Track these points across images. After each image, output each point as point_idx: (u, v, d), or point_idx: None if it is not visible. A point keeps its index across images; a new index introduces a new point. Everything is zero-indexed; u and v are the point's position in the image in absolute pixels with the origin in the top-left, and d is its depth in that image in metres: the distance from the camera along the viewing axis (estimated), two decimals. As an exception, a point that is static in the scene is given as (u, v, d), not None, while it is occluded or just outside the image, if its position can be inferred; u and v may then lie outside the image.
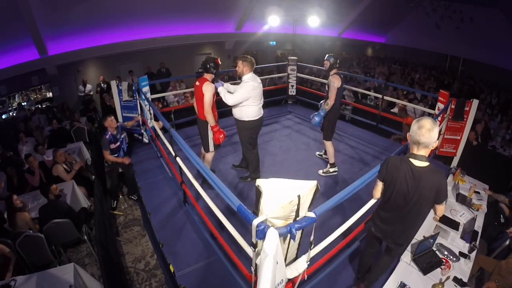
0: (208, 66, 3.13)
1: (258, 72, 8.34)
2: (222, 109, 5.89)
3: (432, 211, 1.94)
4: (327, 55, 3.67)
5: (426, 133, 1.61)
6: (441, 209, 1.81)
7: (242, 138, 3.49)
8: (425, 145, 1.65)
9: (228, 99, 3.18)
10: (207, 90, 3.08)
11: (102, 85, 8.39)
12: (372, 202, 2.36)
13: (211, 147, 3.40)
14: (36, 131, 6.12)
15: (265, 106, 6.56)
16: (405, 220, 1.84)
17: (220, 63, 3.21)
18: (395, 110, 6.06)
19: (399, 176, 1.73)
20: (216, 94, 3.24)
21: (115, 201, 4.37)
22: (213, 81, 3.20)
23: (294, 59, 6.33)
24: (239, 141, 3.63)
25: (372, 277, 2.28)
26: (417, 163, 1.69)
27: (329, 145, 3.86)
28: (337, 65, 3.60)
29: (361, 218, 2.30)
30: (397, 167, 1.74)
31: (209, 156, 3.50)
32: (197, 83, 3.18)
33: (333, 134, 3.89)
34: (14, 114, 7.84)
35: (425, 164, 1.69)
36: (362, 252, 2.35)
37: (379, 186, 1.92)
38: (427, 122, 1.62)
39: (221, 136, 3.25)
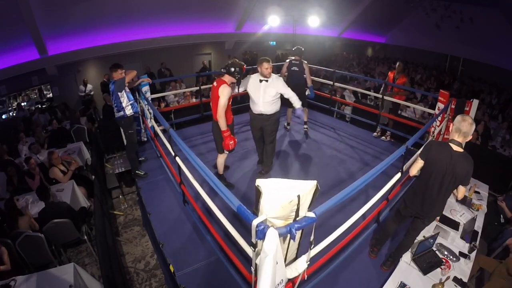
0: (233, 70, 3.06)
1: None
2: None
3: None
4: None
5: (468, 125, 2.02)
6: (462, 191, 2.16)
7: (274, 130, 3.64)
8: (464, 134, 2.04)
9: (293, 95, 3.53)
10: (223, 93, 3.01)
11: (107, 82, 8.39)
12: (373, 201, 2.37)
13: (225, 150, 3.37)
14: (37, 130, 6.12)
15: (265, 106, 6.58)
16: (440, 195, 2.17)
17: (245, 71, 3.19)
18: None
19: (440, 158, 2.07)
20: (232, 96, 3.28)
21: (138, 164, 4.04)
22: (232, 86, 3.17)
23: (294, 59, 6.31)
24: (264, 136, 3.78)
25: (397, 254, 2.53)
26: (455, 147, 2.05)
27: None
28: (294, 53, 4.74)
29: (361, 217, 2.30)
30: (440, 150, 2.10)
31: (222, 158, 3.48)
32: (214, 83, 3.12)
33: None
34: (14, 114, 7.84)
35: (461, 150, 2.06)
36: (387, 222, 2.64)
37: (418, 164, 2.22)
38: (469, 117, 2.06)
39: (231, 143, 3.15)
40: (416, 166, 2.26)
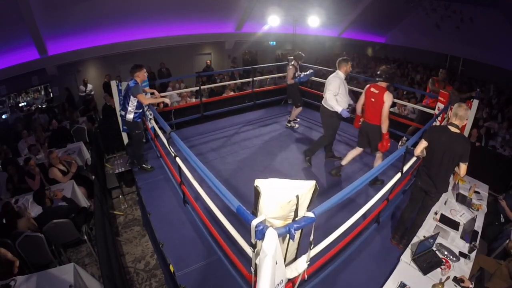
0: (393, 76, 3.32)
1: (258, 72, 8.36)
2: (221, 109, 5.90)
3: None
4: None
5: (463, 110, 2.43)
6: (463, 168, 2.45)
7: None
8: (460, 118, 2.44)
9: None
10: (388, 99, 3.24)
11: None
12: (373, 201, 2.37)
13: (382, 151, 3.57)
14: (37, 130, 6.12)
15: (265, 106, 6.62)
16: (442, 171, 2.52)
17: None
18: (395, 109, 6.06)
19: (441, 137, 2.45)
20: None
21: (143, 164, 4.12)
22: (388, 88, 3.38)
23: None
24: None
25: (411, 233, 2.79)
26: (453, 129, 2.44)
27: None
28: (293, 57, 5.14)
29: (361, 217, 2.30)
30: (440, 131, 2.51)
31: (380, 157, 3.63)
32: (373, 89, 3.34)
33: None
34: (8, 115, 7.81)
35: (458, 131, 2.44)
36: (403, 209, 2.91)
37: (422, 145, 2.55)
38: (464, 104, 2.50)
39: (389, 144, 3.43)
40: (420, 147, 2.58)
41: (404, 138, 4.92)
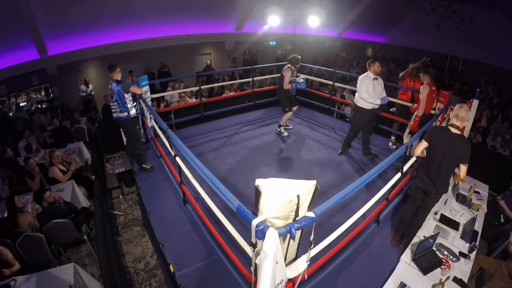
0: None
1: (258, 72, 8.36)
2: (221, 109, 5.90)
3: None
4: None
5: (465, 112, 2.43)
6: (463, 169, 2.46)
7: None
8: (461, 119, 2.44)
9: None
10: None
11: None
12: (373, 201, 2.37)
13: None
14: (36, 130, 6.11)
15: (265, 106, 6.61)
16: (442, 172, 2.51)
17: None
18: (394, 110, 6.04)
19: (441, 138, 2.46)
20: None
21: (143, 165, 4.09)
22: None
23: (294, 59, 6.31)
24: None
25: (411, 233, 2.79)
26: (453, 130, 2.44)
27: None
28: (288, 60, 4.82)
29: (361, 217, 2.30)
30: (440, 132, 2.51)
31: None
32: (433, 88, 3.86)
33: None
34: (11, 114, 7.81)
35: (459, 132, 2.44)
36: (403, 210, 2.93)
37: (422, 145, 2.56)
38: (466, 105, 2.49)
39: None
40: (420, 147, 2.58)
41: (393, 138, 4.99)
